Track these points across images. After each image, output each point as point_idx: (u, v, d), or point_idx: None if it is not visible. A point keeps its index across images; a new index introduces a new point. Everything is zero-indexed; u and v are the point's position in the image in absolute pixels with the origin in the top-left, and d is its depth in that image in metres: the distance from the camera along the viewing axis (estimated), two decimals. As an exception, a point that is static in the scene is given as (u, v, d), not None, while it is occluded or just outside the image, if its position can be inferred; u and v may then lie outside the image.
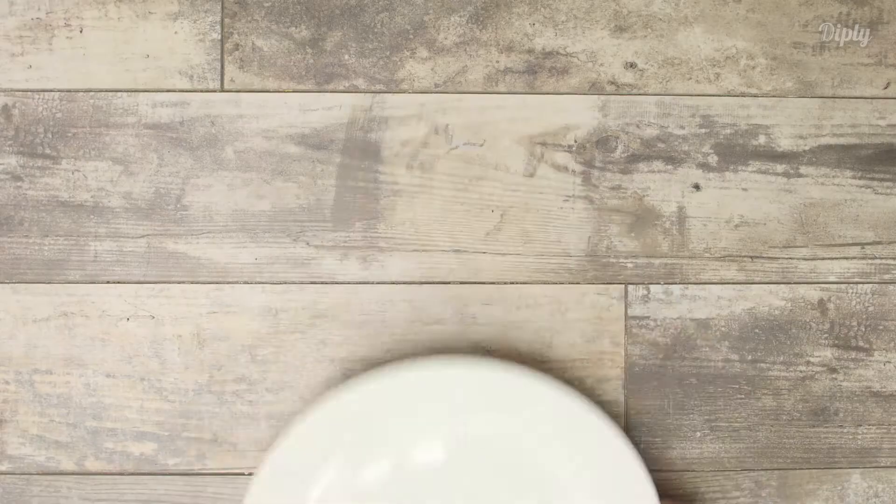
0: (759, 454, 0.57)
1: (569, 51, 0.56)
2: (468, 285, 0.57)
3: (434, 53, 0.57)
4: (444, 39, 0.56)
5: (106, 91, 0.55)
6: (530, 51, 0.56)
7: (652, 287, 0.57)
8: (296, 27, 0.56)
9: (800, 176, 0.57)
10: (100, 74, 0.55)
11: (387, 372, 0.51)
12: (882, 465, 0.57)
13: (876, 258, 0.57)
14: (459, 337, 0.57)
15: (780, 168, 0.57)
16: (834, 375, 0.57)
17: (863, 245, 0.57)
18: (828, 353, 0.57)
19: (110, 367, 0.55)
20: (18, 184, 0.55)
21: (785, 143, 0.57)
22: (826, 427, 0.57)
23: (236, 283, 0.56)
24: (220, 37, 0.56)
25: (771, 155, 0.57)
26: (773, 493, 0.57)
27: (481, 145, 0.57)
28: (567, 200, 0.57)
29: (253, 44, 0.56)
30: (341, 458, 0.52)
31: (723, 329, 0.57)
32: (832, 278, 0.57)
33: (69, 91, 0.55)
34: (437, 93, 0.57)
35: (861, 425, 0.57)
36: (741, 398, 0.57)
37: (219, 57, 0.56)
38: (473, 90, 0.57)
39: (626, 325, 0.57)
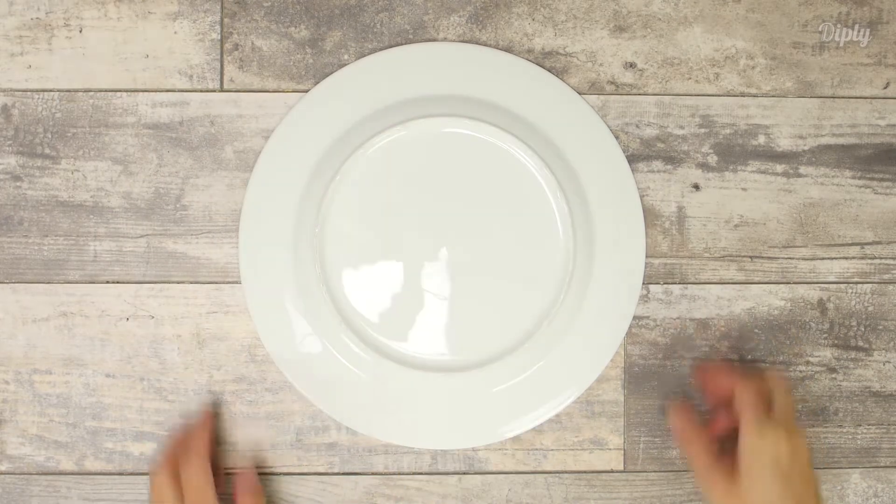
0: (758, 454, 0.57)
1: (568, 51, 0.56)
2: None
3: (434, 53, 0.57)
4: (443, 39, 0.56)
5: (106, 91, 0.55)
6: (530, 51, 0.56)
7: (651, 287, 0.56)
8: (295, 27, 0.56)
9: (799, 176, 0.57)
10: (99, 74, 0.55)
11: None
12: (882, 464, 0.57)
13: (875, 258, 0.57)
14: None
15: (779, 168, 0.57)
16: (833, 375, 0.57)
17: (862, 245, 0.57)
18: (827, 353, 0.57)
19: (110, 367, 0.55)
20: (18, 184, 0.55)
21: (784, 143, 0.57)
22: (826, 427, 0.57)
23: (236, 283, 0.56)
24: (219, 37, 0.56)
25: (770, 155, 0.57)
26: (772, 493, 0.56)
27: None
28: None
29: (252, 44, 0.56)
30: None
31: (722, 329, 0.57)
32: (832, 278, 0.57)
33: (69, 91, 0.55)
34: (436, 93, 0.57)
35: (861, 425, 0.57)
36: (741, 398, 0.57)
37: (218, 57, 0.56)
38: (473, 90, 0.57)
39: (625, 325, 0.57)
